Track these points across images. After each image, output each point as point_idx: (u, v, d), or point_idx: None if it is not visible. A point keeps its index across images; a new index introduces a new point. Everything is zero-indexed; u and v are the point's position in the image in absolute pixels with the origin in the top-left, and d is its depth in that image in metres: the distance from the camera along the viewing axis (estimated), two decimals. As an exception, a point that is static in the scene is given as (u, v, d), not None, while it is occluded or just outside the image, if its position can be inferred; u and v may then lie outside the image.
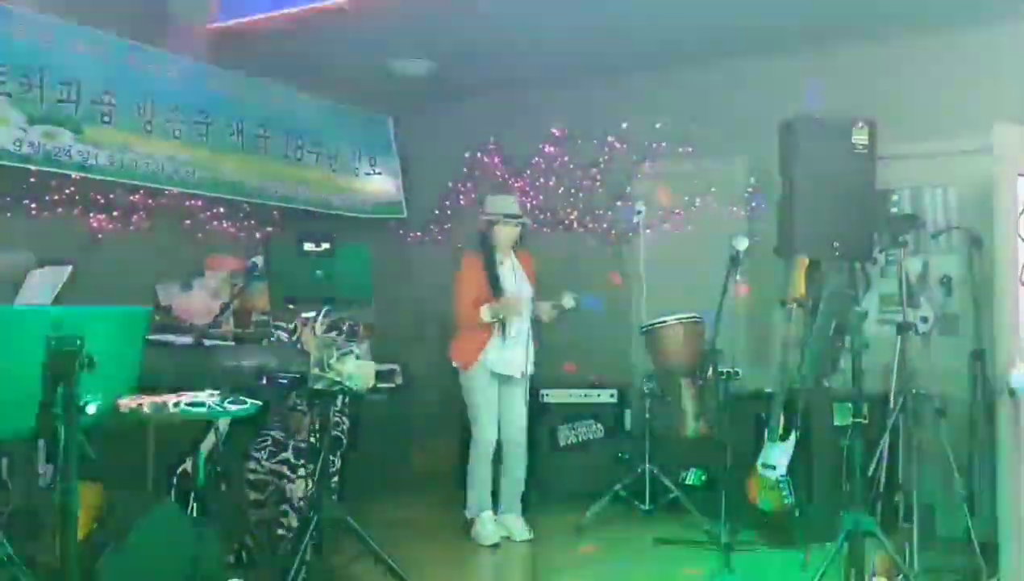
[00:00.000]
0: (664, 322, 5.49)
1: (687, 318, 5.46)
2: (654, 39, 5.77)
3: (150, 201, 5.95)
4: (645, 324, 5.62)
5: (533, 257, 5.50)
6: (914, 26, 5.44)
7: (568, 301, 5.22)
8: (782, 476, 4.84)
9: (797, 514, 4.82)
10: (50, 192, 5.44)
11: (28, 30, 4.85)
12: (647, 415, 5.63)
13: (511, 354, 5.21)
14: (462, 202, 7.14)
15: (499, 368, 5.21)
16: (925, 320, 5.53)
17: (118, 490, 3.86)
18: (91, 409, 2.87)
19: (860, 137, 5.10)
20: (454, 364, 5.33)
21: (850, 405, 3.94)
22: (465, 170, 7.14)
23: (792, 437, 4.85)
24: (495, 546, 5.16)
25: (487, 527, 5.22)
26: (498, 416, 5.29)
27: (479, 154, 7.09)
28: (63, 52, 4.99)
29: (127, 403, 3.36)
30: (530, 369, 5.32)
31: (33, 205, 5.42)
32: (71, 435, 2.87)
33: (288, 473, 4.50)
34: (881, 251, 5.58)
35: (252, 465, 4.52)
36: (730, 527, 4.72)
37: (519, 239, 5.38)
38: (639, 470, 5.57)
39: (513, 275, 5.31)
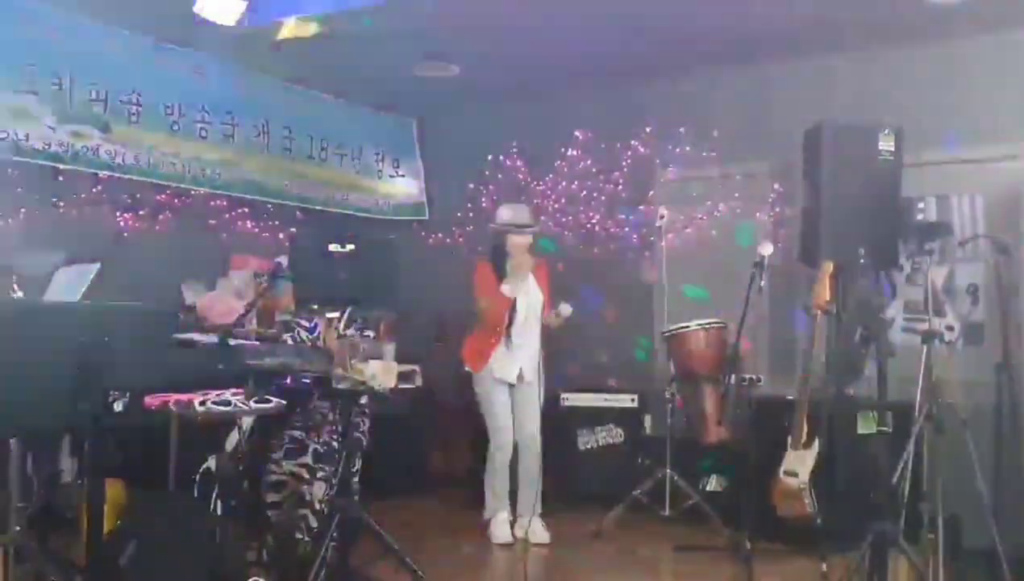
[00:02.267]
0: (687, 327, 5.47)
1: (710, 324, 5.45)
2: (678, 42, 5.75)
3: (176, 201, 5.99)
4: (668, 329, 5.60)
5: (545, 265, 5.51)
6: (941, 33, 5.39)
7: (565, 309, 5.24)
8: (804, 484, 4.79)
9: (819, 522, 4.77)
10: (78, 191, 5.49)
11: (58, 30, 4.88)
12: (668, 420, 5.60)
13: (513, 360, 5.26)
14: (484, 204, 7.13)
15: (499, 374, 5.24)
16: (951, 329, 5.48)
17: (142, 487, 3.87)
18: (118, 407, 2.89)
19: (887, 143, 5.02)
20: (466, 368, 5.38)
21: (874, 414, 3.90)
22: (487, 172, 7.13)
23: (815, 445, 4.81)
24: (510, 545, 5.18)
25: (502, 527, 5.26)
26: (513, 418, 5.32)
27: (501, 157, 7.09)
28: (92, 52, 5.02)
29: (153, 401, 3.37)
30: (532, 376, 5.31)
31: (61, 203, 5.46)
32: (98, 432, 2.89)
33: (307, 476, 4.49)
34: (907, 259, 5.52)
35: (271, 466, 4.52)
36: (751, 535, 4.69)
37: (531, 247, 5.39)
38: (659, 475, 5.54)
39: (527, 286, 5.31)
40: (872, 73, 5.67)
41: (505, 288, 5.21)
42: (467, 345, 5.38)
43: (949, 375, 4.90)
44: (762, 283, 4.92)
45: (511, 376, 5.25)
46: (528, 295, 5.32)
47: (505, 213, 5.44)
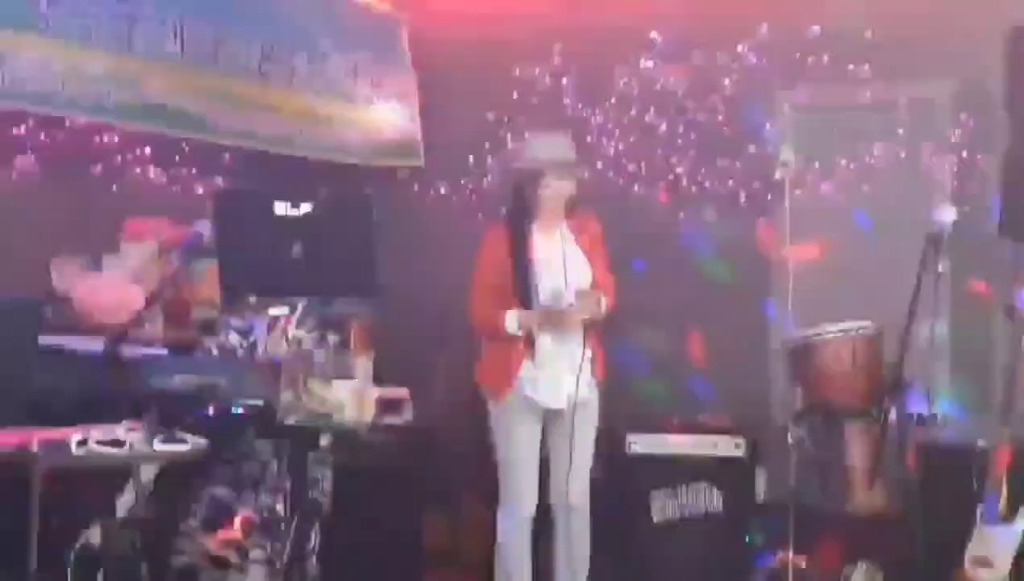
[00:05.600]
0: (823, 335, 5.47)
1: (858, 330, 5.43)
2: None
3: (42, 136, 6.01)
4: (792, 338, 5.57)
5: (596, 222, 5.42)
6: None
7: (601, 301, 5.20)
8: (1004, 576, 4.77)
9: (1026, 638, 4.75)
10: None
11: None
12: (792, 478, 5.57)
13: (556, 374, 5.21)
14: (510, 144, 7.12)
15: (533, 393, 5.20)
16: None
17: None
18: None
19: None
20: (482, 390, 5.38)
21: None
22: (516, 96, 7.12)
23: (1020, 517, 4.78)
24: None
25: (519, 638, 5.29)
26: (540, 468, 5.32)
27: (536, 71, 7.07)
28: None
29: (6, 439, 3.40)
30: (585, 392, 5.27)
31: None
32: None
33: (234, 559, 4.52)
34: None
35: (181, 542, 4.55)
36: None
37: (574, 199, 5.34)
38: (778, 563, 5.52)
39: (562, 256, 5.26)
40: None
41: (511, 322, 5.15)
42: (483, 358, 5.37)
43: None
44: (940, 268, 4.90)
45: (554, 398, 5.22)
46: (566, 273, 5.26)
47: (535, 146, 5.43)
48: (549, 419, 5.28)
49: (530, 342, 5.14)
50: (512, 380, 5.20)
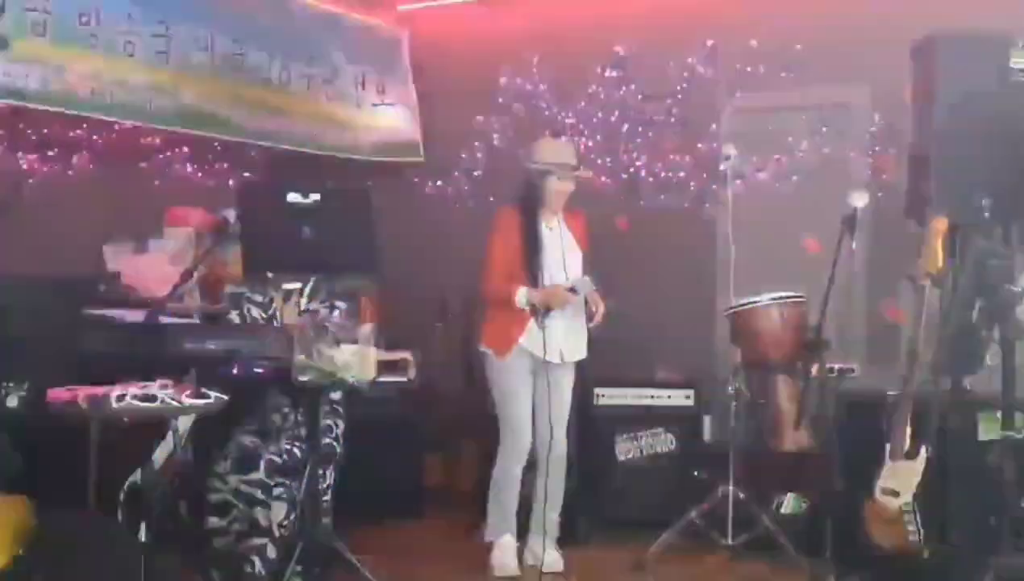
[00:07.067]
0: (757, 303, 5.44)
1: (787, 298, 5.41)
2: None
3: (95, 138, 6.00)
4: (732, 305, 5.58)
5: (583, 216, 5.50)
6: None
7: (581, 284, 5.26)
8: (907, 505, 4.77)
9: (927, 555, 4.75)
10: (-32, 125, 5.52)
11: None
12: (732, 423, 5.59)
13: (560, 335, 5.26)
14: (496, 142, 7.12)
15: (539, 350, 5.21)
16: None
17: (51, 507, 3.91)
18: (12, 401, 2.91)
19: (1020, 60, 4.97)
20: (484, 350, 5.40)
21: (999, 414, 3.87)
22: (501, 100, 7.10)
23: (922, 455, 4.77)
24: (516, 579, 5.23)
25: (507, 554, 5.30)
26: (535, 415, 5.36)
27: (519, 80, 7.05)
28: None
29: (59, 396, 3.40)
30: (579, 355, 5.35)
31: (-54, 141, 5.50)
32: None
33: (259, 495, 4.52)
34: (1047, 212, 5.46)
35: (215, 482, 4.55)
36: (838, 570, 4.69)
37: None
38: (720, 494, 5.52)
39: (561, 242, 5.31)
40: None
41: (520, 298, 5.18)
42: (489, 321, 5.40)
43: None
44: (854, 245, 4.88)
45: (555, 352, 5.25)
46: (564, 255, 5.32)
47: (545, 150, 5.44)
48: (539, 375, 5.31)
49: (534, 313, 5.18)
50: (512, 344, 5.26)
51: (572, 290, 5.24)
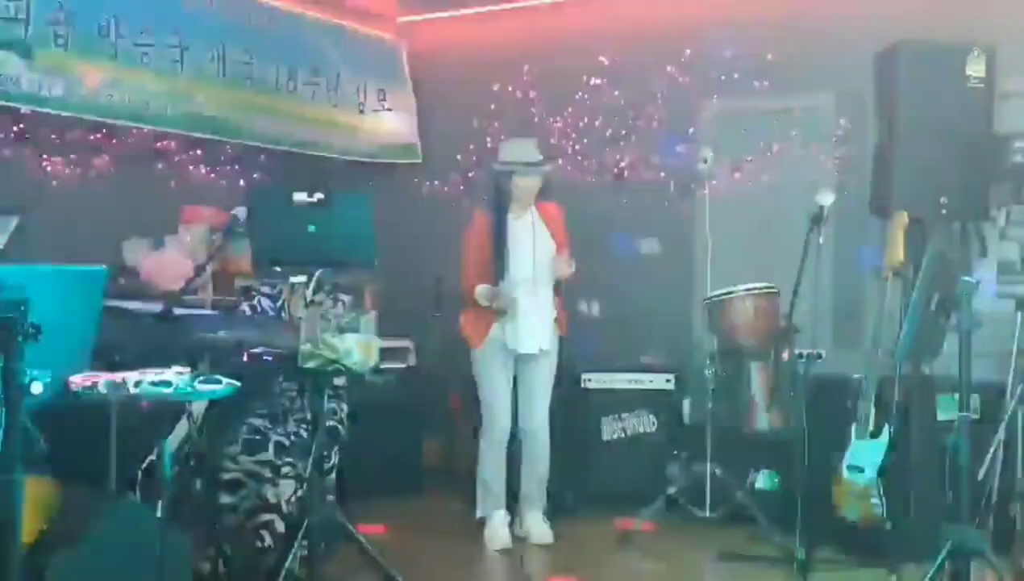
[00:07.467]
0: (732, 293, 5.48)
1: (760, 289, 5.44)
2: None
3: (114, 141, 6.01)
4: (710, 296, 5.61)
5: (562, 208, 5.54)
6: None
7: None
8: (872, 480, 4.82)
9: (889, 527, 4.80)
10: (-5, 129, 5.52)
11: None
12: (709, 405, 5.63)
13: (528, 326, 5.31)
14: (489, 145, 7.14)
15: (513, 344, 5.28)
16: (1053, 294, 5.46)
17: (73, 486, 3.93)
18: (36, 388, 2.92)
19: (976, 68, 5.01)
20: (464, 339, 5.47)
21: (956, 396, 3.91)
22: (494, 106, 7.13)
23: (885, 434, 4.84)
24: (509, 550, 5.27)
25: (499, 529, 5.36)
26: (516, 400, 5.43)
27: (511, 88, 7.08)
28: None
29: (79, 381, 3.41)
30: (550, 343, 5.39)
31: (-27, 145, 5.51)
32: (14, 418, 2.93)
33: (268, 474, 4.55)
34: (999, 209, 5.48)
35: (226, 462, 4.57)
36: (807, 541, 4.71)
37: (542, 189, 5.43)
38: (698, 471, 5.58)
39: (532, 235, 5.36)
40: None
41: (480, 295, 5.25)
42: (466, 312, 5.43)
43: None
44: (821, 239, 4.89)
45: (529, 345, 5.30)
46: (535, 248, 5.35)
47: (509, 149, 5.47)
48: (520, 362, 5.38)
49: (498, 308, 5.21)
50: (490, 331, 5.32)
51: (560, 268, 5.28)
